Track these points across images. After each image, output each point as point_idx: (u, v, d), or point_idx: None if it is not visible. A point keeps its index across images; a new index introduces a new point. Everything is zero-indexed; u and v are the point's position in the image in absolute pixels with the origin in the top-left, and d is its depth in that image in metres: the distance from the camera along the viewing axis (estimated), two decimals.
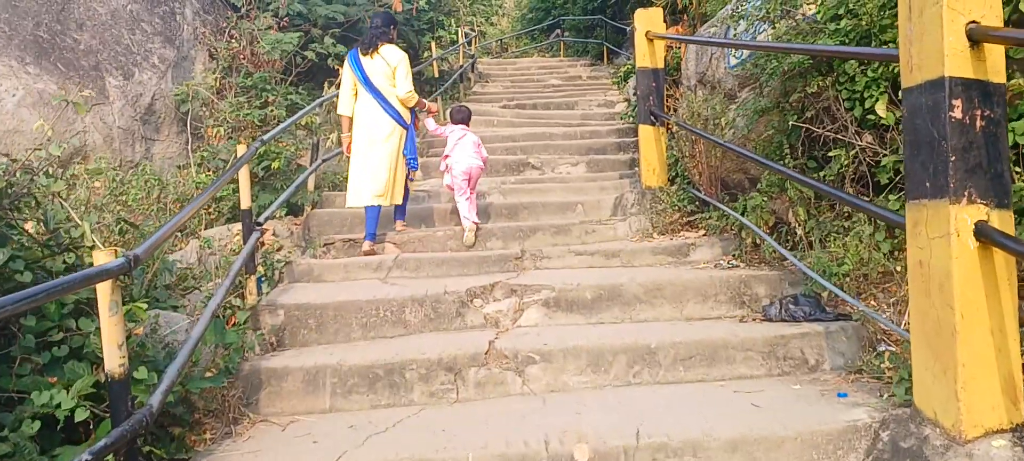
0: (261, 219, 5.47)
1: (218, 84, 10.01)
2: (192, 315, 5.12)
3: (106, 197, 5.52)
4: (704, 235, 5.49)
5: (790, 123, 4.50)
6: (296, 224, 7.45)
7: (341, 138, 6.17)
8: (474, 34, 21.18)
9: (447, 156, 6.38)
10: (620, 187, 7.32)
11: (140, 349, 3.31)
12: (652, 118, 6.33)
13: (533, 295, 4.46)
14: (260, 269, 5.33)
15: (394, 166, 5.84)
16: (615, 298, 4.37)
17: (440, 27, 17.26)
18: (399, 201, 6.02)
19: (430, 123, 6.41)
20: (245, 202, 5.23)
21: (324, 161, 7.82)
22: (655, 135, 6.35)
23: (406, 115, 5.90)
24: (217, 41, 10.55)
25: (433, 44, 14.92)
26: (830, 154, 4.45)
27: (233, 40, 10.42)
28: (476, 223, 6.16)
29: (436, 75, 14.02)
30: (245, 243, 5.15)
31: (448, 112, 6.72)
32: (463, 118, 6.54)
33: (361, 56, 5.82)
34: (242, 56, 10.16)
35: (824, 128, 4.34)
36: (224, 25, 10.83)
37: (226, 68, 10.30)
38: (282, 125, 6.09)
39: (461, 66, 15.64)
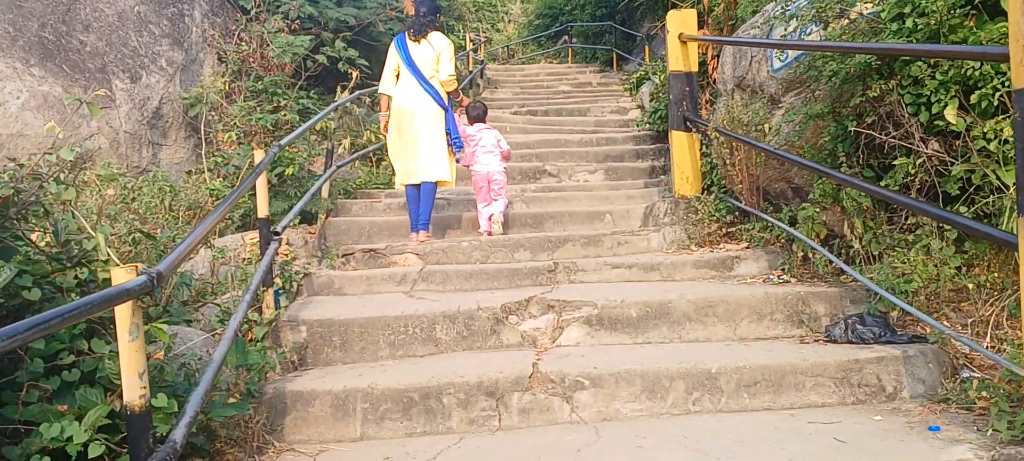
0: (279, 228, 5.18)
1: (227, 88, 9.75)
2: (207, 330, 4.84)
3: (118, 205, 5.22)
4: (747, 247, 5.20)
5: (850, 129, 4.21)
6: (310, 233, 7.17)
7: (380, 116, 6.35)
8: (481, 40, 20.93)
9: (468, 165, 6.28)
10: (647, 196, 7.05)
11: (159, 373, 3.02)
12: (686, 124, 6.05)
13: (573, 312, 4.17)
14: (278, 281, 5.04)
15: (442, 143, 5.94)
16: (663, 316, 4.08)
17: (450, 32, 16.99)
18: (447, 177, 6.00)
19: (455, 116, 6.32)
20: (263, 210, 4.95)
21: (339, 168, 7.55)
22: (689, 142, 6.06)
23: (445, 97, 6.00)
24: (226, 44, 10.30)
25: None
26: (892, 162, 4.17)
27: (243, 43, 10.17)
28: (497, 222, 6.06)
29: None
30: (263, 254, 4.87)
31: (465, 110, 6.63)
32: (479, 115, 6.42)
33: (408, 41, 5.97)
34: (251, 59, 9.91)
35: (887, 135, 4.06)
36: (233, 27, 10.58)
37: (235, 71, 10.05)
38: (299, 129, 5.82)
39: (470, 72, 15.38)
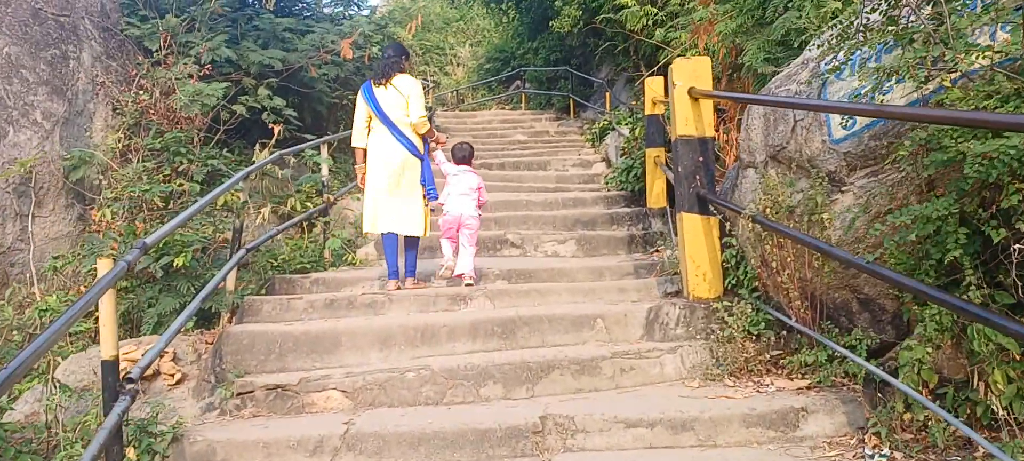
0: (135, 371, 3.52)
1: (121, 146, 8.01)
2: None
3: None
4: (809, 388, 3.74)
5: (988, 233, 2.81)
6: (207, 342, 5.48)
7: (355, 170, 5.98)
8: (429, 84, 19.49)
9: (442, 204, 5.83)
10: (642, 289, 5.52)
11: None
12: (701, 205, 4.63)
13: None
14: (131, 454, 3.39)
15: (414, 195, 5.67)
16: None
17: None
18: (420, 232, 5.72)
19: (439, 154, 5.96)
20: (107, 351, 3.31)
21: (249, 251, 5.89)
22: (705, 227, 4.64)
23: (420, 145, 5.70)
24: (123, 93, 8.58)
25: None
26: None
27: (143, 91, 8.46)
28: (469, 276, 5.64)
29: None
30: (107, 415, 3.23)
31: (446, 149, 6.18)
32: (463, 157, 5.96)
33: (374, 87, 5.64)
34: (152, 112, 8.20)
35: None
36: (134, 74, 8.86)
37: (133, 125, 8.33)
38: (176, 221, 4.10)
39: None
